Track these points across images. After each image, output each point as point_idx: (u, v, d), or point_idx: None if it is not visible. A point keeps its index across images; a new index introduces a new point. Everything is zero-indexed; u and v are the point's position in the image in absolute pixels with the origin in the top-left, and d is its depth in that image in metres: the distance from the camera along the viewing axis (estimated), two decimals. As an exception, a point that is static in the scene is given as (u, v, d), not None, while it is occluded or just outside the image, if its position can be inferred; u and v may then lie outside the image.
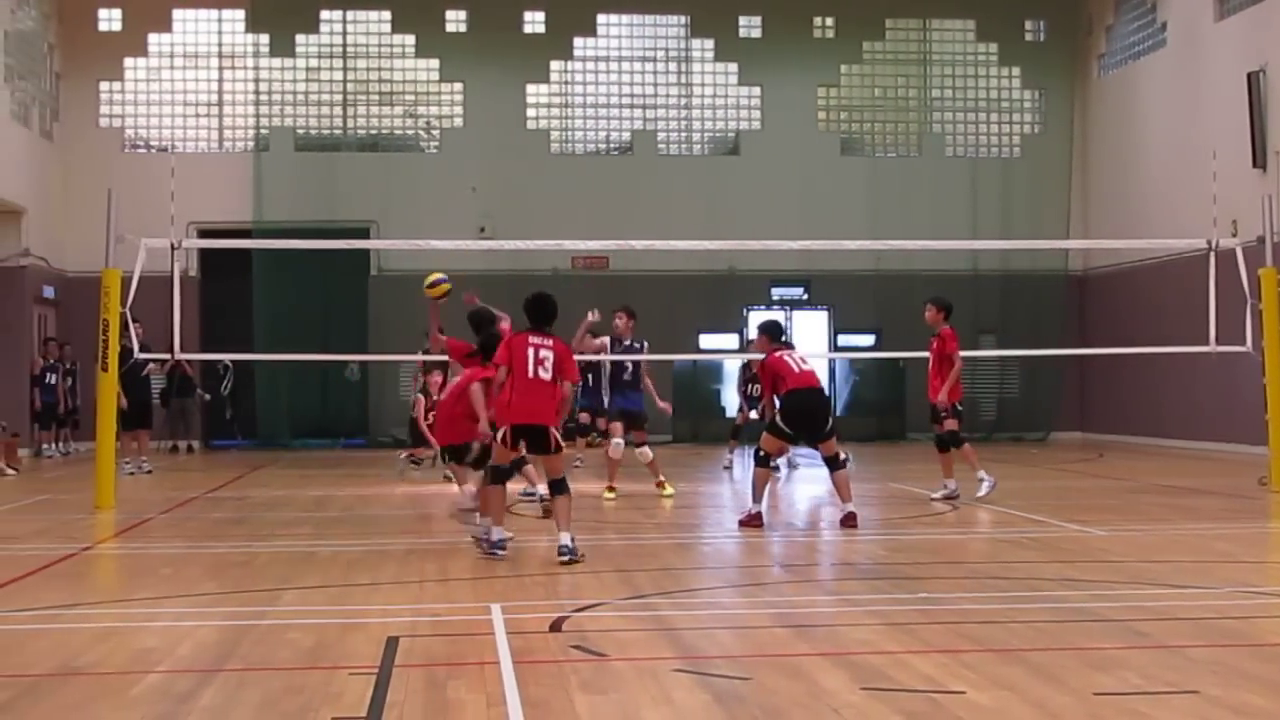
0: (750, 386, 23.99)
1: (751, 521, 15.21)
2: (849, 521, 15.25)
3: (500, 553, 12.64)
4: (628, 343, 19.68)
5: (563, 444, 12.84)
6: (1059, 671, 7.91)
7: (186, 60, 34.10)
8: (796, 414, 15.59)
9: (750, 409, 23.86)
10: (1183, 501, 18.35)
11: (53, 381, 29.13)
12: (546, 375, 12.63)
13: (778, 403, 15.84)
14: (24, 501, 19.09)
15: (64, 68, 32.90)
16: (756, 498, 15.44)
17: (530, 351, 12.65)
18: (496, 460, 12.96)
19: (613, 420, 19.51)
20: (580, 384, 23.98)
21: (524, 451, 13.48)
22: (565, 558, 12.28)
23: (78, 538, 14.87)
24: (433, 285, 14.75)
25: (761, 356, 16.31)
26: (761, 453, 15.71)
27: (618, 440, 19.11)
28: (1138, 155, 32.70)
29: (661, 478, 19.17)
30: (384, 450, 28.67)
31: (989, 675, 7.83)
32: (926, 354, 17.91)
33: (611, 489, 18.83)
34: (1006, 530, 14.57)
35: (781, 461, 21.35)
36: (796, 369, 15.68)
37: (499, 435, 12.75)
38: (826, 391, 16.63)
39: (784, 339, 16.81)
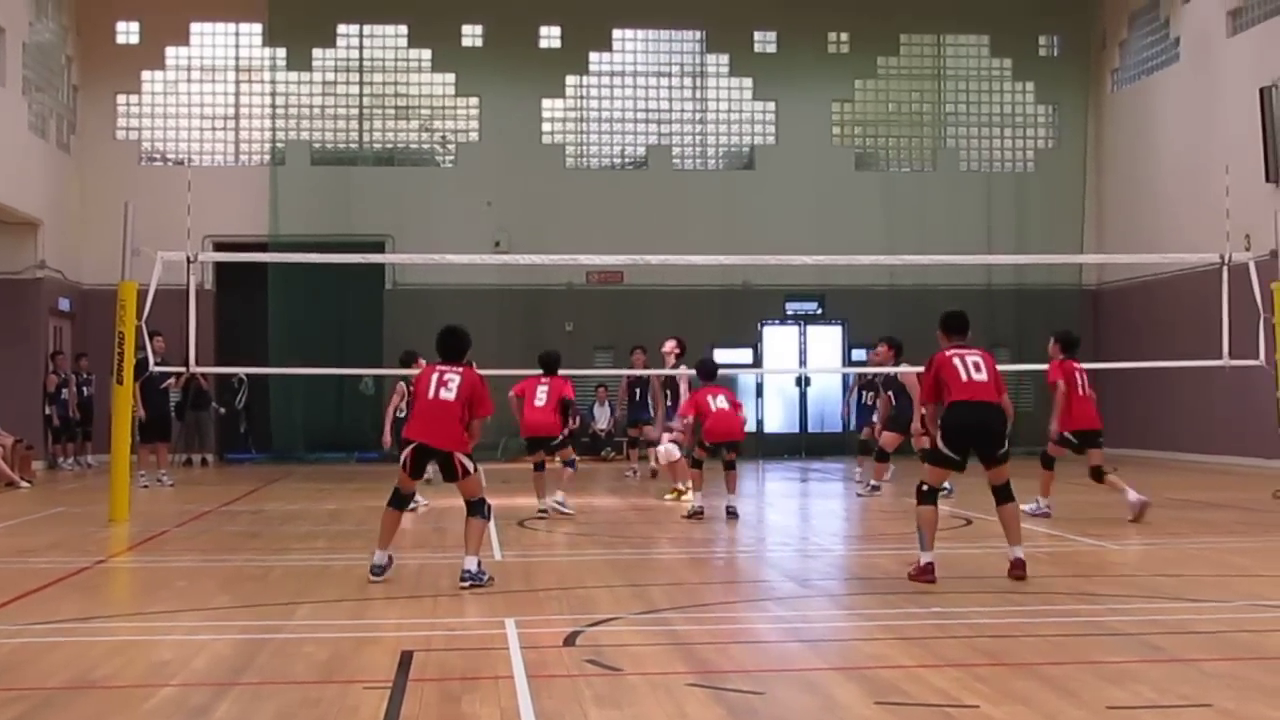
0: (865, 395, 23.66)
1: (922, 575, 12.03)
2: (1017, 570, 12.16)
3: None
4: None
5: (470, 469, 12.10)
6: (1073, 685, 7.91)
7: (204, 74, 34.25)
8: (959, 431, 12.40)
9: (865, 423, 23.23)
10: (1197, 515, 18.32)
11: (65, 396, 29.15)
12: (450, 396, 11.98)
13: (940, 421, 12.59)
14: (39, 514, 19.15)
15: (81, 80, 33.02)
16: (926, 544, 12.14)
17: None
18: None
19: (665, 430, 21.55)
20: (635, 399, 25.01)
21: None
22: (466, 583, 11.73)
23: (92, 551, 14.92)
24: None
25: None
26: (925, 486, 12.45)
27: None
28: (1151, 170, 32.70)
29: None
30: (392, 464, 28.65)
31: (1003, 689, 7.84)
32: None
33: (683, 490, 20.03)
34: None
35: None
36: (964, 375, 12.58)
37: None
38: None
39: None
